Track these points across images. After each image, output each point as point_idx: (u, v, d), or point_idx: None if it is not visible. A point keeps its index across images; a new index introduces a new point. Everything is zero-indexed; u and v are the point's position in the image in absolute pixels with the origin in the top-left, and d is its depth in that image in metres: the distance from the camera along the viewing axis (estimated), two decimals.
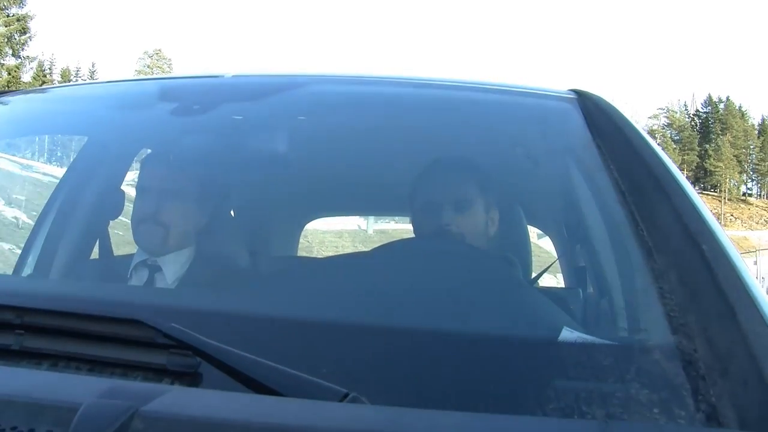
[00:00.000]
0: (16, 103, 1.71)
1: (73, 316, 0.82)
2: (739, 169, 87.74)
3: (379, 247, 1.37)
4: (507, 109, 1.46)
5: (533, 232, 1.97)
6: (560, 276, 1.96)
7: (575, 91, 1.40)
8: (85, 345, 0.81)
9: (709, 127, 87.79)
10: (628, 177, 1.05)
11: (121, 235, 1.92)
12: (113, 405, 0.61)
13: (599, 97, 1.32)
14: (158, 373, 0.77)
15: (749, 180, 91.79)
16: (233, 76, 1.59)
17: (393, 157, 1.74)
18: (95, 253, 1.82)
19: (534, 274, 1.82)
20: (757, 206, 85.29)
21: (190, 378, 0.76)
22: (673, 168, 1.03)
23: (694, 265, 0.82)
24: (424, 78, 1.59)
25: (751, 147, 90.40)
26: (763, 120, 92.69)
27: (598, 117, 1.23)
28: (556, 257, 2.01)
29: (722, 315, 0.74)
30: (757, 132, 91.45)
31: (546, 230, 2.23)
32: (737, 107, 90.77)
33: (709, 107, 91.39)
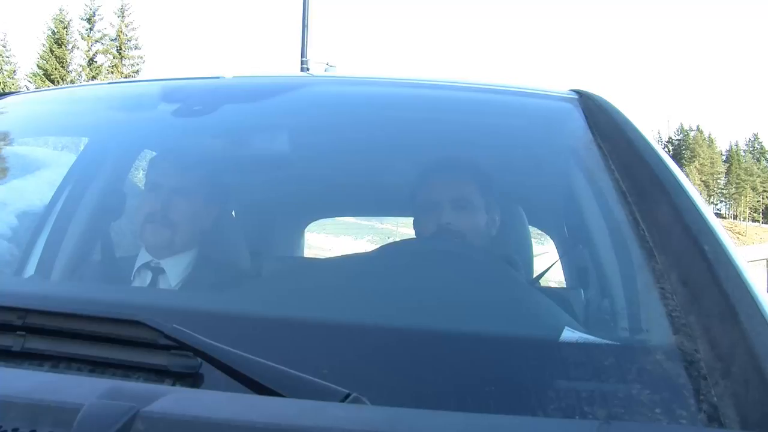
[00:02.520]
0: (18, 104, 1.71)
1: (74, 317, 0.82)
2: (707, 193, 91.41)
3: (380, 247, 1.37)
4: (508, 109, 1.46)
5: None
6: (561, 276, 1.96)
7: (576, 91, 1.40)
8: (87, 346, 0.81)
9: (681, 154, 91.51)
10: (630, 177, 1.05)
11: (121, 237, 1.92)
12: (115, 406, 0.61)
13: (600, 97, 1.31)
14: (160, 374, 0.77)
15: (719, 201, 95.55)
16: (233, 77, 1.59)
17: (395, 157, 1.74)
18: (97, 254, 1.82)
19: (535, 274, 1.81)
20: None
21: (192, 379, 0.76)
22: (674, 168, 1.03)
23: (696, 265, 0.82)
24: (425, 79, 1.59)
25: (720, 172, 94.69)
26: (731, 147, 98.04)
27: (599, 117, 1.23)
28: (558, 257, 2.01)
29: (724, 315, 0.74)
30: (724, 158, 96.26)
31: (547, 230, 2.22)
32: (706, 135, 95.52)
33: (681, 135, 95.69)
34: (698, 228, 0.86)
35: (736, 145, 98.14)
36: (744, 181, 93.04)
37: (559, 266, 1.84)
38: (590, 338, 0.83)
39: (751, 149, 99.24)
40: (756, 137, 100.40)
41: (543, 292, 1.44)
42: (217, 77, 1.61)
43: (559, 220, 1.87)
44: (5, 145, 1.65)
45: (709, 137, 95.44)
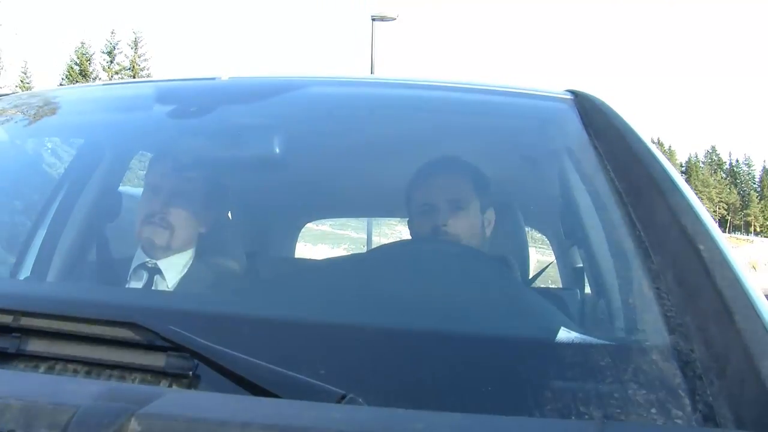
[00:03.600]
0: (14, 105, 1.71)
1: (70, 318, 0.82)
2: None
3: (376, 248, 1.37)
4: (503, 110, 1.46)
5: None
6: (557, 276, 1.96)
7: (572, 92, 1.40)
8: (83, 347, 0.81)
9: None
10: (625, 177, 1.05)
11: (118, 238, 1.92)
12: (110, 407, 0.61)
13: (596, 97, 1.32)
14: (156, 375, 0.77)
15: None
16: (229, 78, 1.59)
17: (390, 158, 1.74)
18: (93, 255, 1.82)
19: (531, 274, 1.82)
20: None
21: (188, 380, 0.76)
22: (670, 168, 1.03)
23: (691, 265, 0.82)
24: (420, 79, 1.59)
25: None
26: (689, 159, 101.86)
27: (594, 117, 1.23)
28: (554, 258, 2.01)
29: (719, 315, 0.74)
30: (683, 170, 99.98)
31: (543, 231, 2.23)
32: (666, 148, 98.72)
33: None
34: (694, 228, 0.86)
35: (696, 157, 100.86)
36: (701, 192, 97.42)
37: (555, 266, 1.85)
38: (586, 338, 0.83)
39: (709, 161, 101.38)
40: (714, 149, 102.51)
41: (539, 292, 1.45)
42: (213, 78, 1.61)
43: (555, 221, 1.88)
44: (1, 145, 1.65)
45: (669, 149, 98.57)
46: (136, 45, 50.57)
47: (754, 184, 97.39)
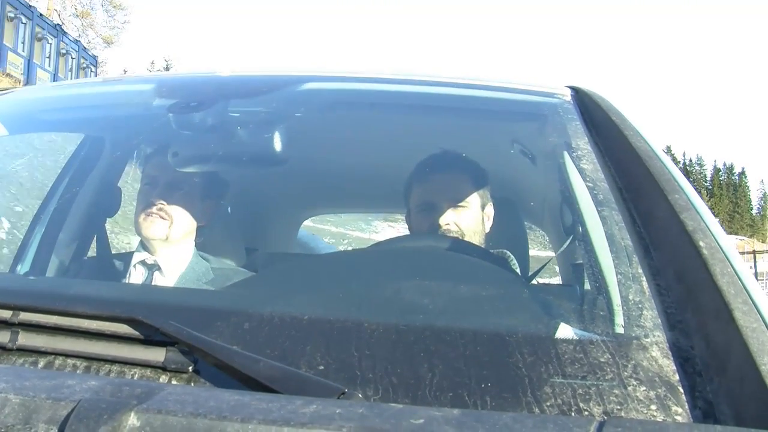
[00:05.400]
0: (14, 100, 1.70)
1: (69, 314, 0.82)
2: None
3: (375, 244, 1.37)
4: (503, 106, 1.46)
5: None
6: (557, 272, 1.96)
7: (572, 87, 1.40)
8: (82, 343, 0.81)
9: None
10: (625, 173, 1.05)
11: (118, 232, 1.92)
12: (110, 402, 0.61)
13: (596, 93, 1.31)
14: (156, 370, 0.77)
15: None
16: (230, 73, 1.59)
17: (389, 153, 1.74)
18: (93, 251, 1.82)
19: (531, 271, 1.81)
20: None
21: (188, 375, 0.76)
22: (670, 164, 1.03)
23: (691, 261, 0.82)
24: (420, 75, 1.59)
25: None
26: None
27: (594, 113, 1.23)
28: (553, 254, 2.00)
29: (719, 312, 0.74)
30: None
31: (542, 227, 2.22)
32: None
33: None
34: (694, 225, 0.86)
35: None
36: None
37: (554, 263, 1.84)
38: (586, 335, 0.83)
39: None
40: (669, 149, 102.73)
41: (538, 288, 1.44)
42: (214, 73, 1.61)
43: (555, 217, 1.87)
44: (1, 142, 1.65)
45: None
46: (167, 66, 52.99)
47: (706, 182, 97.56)
